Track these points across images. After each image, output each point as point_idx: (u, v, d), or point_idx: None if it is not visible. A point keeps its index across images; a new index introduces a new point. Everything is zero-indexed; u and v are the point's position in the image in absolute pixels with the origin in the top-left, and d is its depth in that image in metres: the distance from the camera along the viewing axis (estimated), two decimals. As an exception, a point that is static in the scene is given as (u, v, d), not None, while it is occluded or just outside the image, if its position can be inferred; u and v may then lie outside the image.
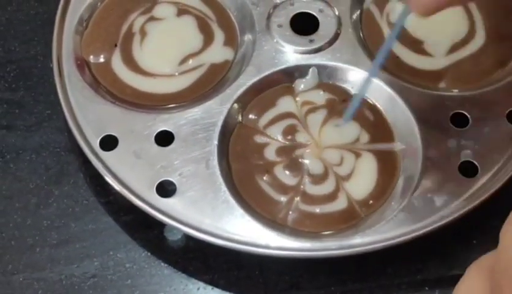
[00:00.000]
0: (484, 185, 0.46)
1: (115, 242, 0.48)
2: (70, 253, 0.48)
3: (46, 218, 0.49)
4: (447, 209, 0.45)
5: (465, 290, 0.32)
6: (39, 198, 0.50)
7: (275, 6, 0.53)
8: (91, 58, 0.52)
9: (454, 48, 0.51)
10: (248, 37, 0.52)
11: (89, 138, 0.48)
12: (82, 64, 0.51)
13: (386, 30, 0.53)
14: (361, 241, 0.44)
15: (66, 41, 0.52)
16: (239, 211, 0.45)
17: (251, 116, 0.49)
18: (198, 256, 0.47)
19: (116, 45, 0.52)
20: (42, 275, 0.47)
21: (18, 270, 0.47)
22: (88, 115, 0.49)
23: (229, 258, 0.47)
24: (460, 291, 0.32)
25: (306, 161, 0.48)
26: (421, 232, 0.44)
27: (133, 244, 0.48)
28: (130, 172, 0.47)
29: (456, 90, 0.50)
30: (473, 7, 0.53)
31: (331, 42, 0.51)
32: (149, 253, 0.48)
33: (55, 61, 0.51)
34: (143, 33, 0.53)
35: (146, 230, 0.48)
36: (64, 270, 0.47)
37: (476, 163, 0.46)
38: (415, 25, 0.52)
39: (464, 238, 0.48)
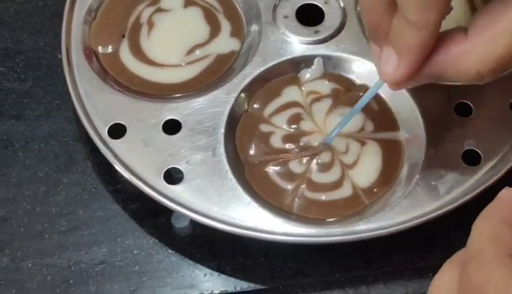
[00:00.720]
0: (487, 173, 0.46)
1: (123, 229, 0.49)
2: (78, 240, 0.49)
3: (54, 205, 0.50)
4: (450, 196, 0.46)
5: (438, 283, 0.34)
6: (48, 186, 0.51)
7: (281, -3, 0.54)
8: (99, 48, 0.52)
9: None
10: (254, 27, 0.53)
11: (98, 127, 0.48)
12: (90, 54, 0.52)
13: (390, 21, 0.53)
14: (365, 227, 0.45)
15: (75, 32, 0.52)
16: (245, 198, 0.46)
17: (257, 106, 0.50)
18: (204, 243, 0.48)
19: (124, 36, 0.53)
20: (51, 261, 0.48)
21: (27, 256, 0.48)
22: (96, 104, 0.49)
23: (236, 245, 0.48)
24: (433, 285, 0.34)
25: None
26: (424, 219, 0.45)
27: (141, 231, 0.49)
28: (138, 160, 0.47)
29: (459, 80, 0.50)
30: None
31: (336, 33, 0.52)
32: (156, 240, 0.48)
33: (64, 51, 0.51)
34: (151, 24, 0.53)
35: (153, 218, 0.49)
36: (73, 256, 0.48)
37: (479, 151, 0.47)
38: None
39: (467, 226, 0.48)
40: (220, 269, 0.48)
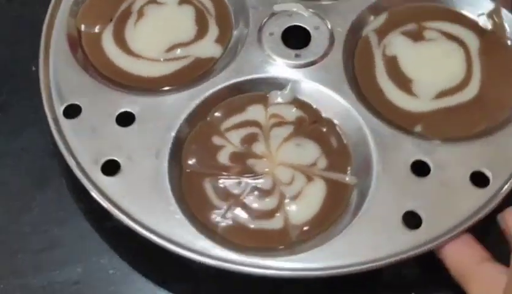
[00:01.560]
0: (423, 238, 0.43)
1: (98, 248, 0.48)
2: (52, 259, 0.47)
3: (28, 223, 0.49)
4: (377, 255, 0.43)
5: None
6: (22, 202, 0.49)
7: (273, 14, 0.52)
8: (83, 27, 0.52)
9: (441, 95, 0.49)
10: (239, 38, 0.52)
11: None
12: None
13: (378, 61, 0.51)
14: (281, 265, 0.43)
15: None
16: (173, 206, 0.45)
17: (217, 116, 0.49)
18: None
19: (111, 20, 0.53)
20: (24, 281, 0.47)
21: (0, 276, 0.47)
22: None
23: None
24: None
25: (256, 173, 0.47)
26: (339, 271, 0.42)
27: (117, 250, 0.48)
28: (82, 144, 0.47)
29: (430, 136, 0.47)
30: (475, 58, 0.50)
31: (316, 61, 0.50)
32: (132, 259, 0.47)
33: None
34: (141, 14, 0.53)
35: (129, 236, 0.46)
36: (47, 276, 0.47)
37: (420, 216, 0.44)
38: (409, 61, 0.51)
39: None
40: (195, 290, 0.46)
